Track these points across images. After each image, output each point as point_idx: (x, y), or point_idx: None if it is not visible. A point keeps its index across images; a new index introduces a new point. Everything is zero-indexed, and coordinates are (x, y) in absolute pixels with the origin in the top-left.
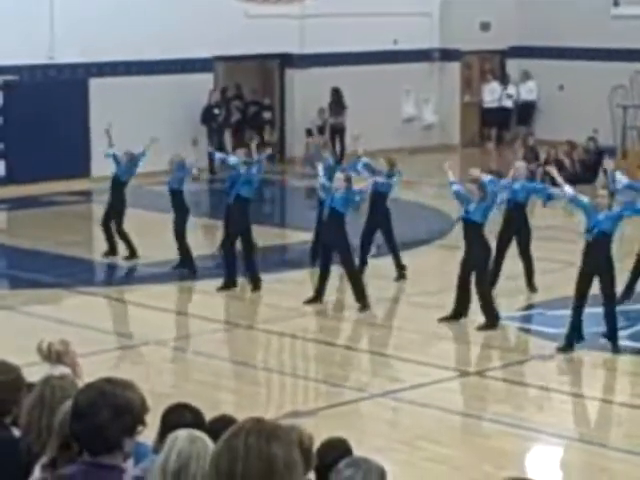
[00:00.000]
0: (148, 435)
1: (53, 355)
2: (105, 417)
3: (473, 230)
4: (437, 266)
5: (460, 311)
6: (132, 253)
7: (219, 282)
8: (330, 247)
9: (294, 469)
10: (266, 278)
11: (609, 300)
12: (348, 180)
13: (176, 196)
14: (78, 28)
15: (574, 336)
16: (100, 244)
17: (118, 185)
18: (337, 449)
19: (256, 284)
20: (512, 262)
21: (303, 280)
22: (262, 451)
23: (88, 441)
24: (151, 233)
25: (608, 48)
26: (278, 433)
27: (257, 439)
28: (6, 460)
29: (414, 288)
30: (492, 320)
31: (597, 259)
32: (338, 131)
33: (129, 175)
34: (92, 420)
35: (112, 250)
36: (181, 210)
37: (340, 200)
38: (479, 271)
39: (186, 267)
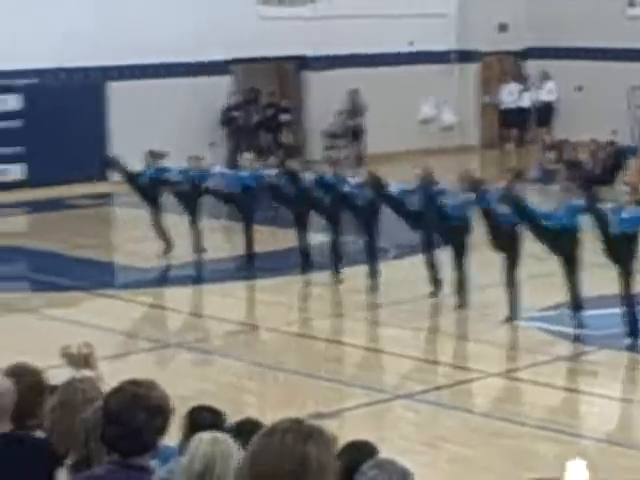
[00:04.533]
0: (172, 437)
1: (81, 360)
2: (142, 420)
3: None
4: None
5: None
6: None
7: (238, 285)
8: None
9: (326, 471)
10: (287, 280)
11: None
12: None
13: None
14: (97, 32)
15: None
16: (118, 247)
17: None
18: (362, 451)
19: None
20: (539, 262)
21: (325, 282)
22: (296, 450)
23: (123, 445)
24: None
25: (626, 48)
26: (314, 433)
27: (293, 438)
28: (31, 462)
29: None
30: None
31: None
32: (357, 133)
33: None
34: (129, 424)
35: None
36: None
37: None
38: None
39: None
